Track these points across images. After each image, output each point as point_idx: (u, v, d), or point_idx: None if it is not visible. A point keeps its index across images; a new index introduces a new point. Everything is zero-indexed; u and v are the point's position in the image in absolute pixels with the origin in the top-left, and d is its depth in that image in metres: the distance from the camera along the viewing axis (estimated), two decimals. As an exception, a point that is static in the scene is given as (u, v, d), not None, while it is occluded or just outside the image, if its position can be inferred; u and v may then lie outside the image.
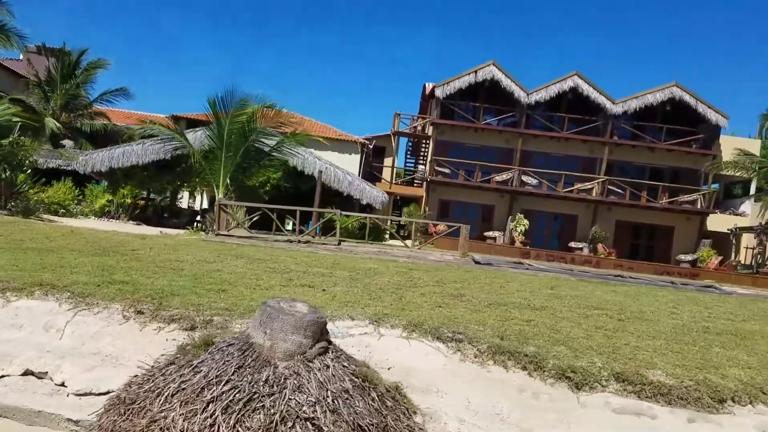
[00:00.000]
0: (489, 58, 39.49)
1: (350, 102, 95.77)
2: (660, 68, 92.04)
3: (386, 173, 34.68)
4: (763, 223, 28.58)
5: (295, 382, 3.54)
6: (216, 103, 17.00)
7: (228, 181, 17.39)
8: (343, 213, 17.28)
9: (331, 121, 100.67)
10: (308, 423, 3.33)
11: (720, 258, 28.41)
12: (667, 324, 5.92)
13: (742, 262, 30.87)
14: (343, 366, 3.80)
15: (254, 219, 20.79)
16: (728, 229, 30.38)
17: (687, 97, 30.32)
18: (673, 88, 30.38)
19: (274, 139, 17.10)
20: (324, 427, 3.32)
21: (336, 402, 3.48)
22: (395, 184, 34.11)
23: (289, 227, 22.26)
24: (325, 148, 29.45)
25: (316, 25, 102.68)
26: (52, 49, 30.14)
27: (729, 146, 30.53)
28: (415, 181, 35.81)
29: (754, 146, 31.65)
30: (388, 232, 20.96)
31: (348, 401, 3.53)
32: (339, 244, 14.64)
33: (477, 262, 11.26)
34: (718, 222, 32.07)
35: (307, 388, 3.50)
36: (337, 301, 5.83)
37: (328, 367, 3.71)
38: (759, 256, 29.09)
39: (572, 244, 30.73)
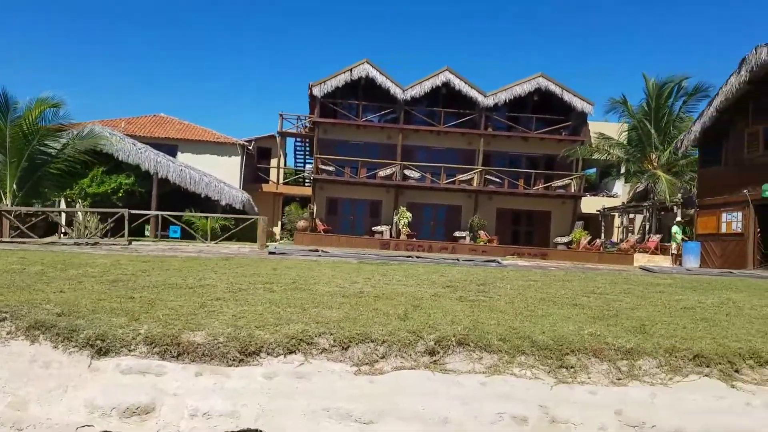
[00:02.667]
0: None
1: (243, 103, 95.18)
2: (535, 58, 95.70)
3: (274, 174, 34.86)
4: (625, 202, 30.41)
5: None
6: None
7: (15, 187, 16.80)
8: (169, 213, 17.41)
9: (223, 124, 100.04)
10: None
11: (588, 238, 29.94)
12: (319, 291, 6.48)
13: (614, 240, 32.64)
14: None
15: (107, 227, 20.69)
16: (596, 211, 32.07)
17: (553, 87, 31.82)
18: (539, 78, 31.85)
19: (60, 142, 16.81)
20: None
21: None
22: (283, 184, 34.33)
23: (148, 233, 22.20)
24: (195, 149, 29.58)
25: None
26: None
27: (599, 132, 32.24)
28: (306, 180, 36.18)
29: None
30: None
31: None
32: (129, 243, 14.83)
33: (272, 253, 11.77)
34: (594, 204, 33.87)
35: None
36: None
37: None
38: (624, 234, 30.94)
39: (456, 234, 31.79)
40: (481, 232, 31.33)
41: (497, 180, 32.49)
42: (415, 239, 29.97)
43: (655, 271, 12.24)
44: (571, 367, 4.69)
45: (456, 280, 7.98)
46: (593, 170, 38.46)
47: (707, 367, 4.80)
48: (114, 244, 13.93)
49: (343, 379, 4.28)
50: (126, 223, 15.89)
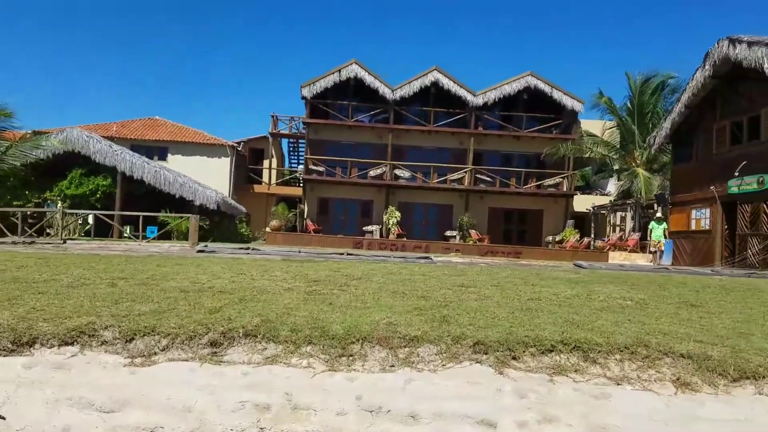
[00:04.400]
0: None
1: (242, 105, 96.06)
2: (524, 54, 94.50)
3: (268, 175, 35.33)
4: (612, 200, 30.11)
5: None
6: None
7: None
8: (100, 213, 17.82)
9: (220, 126, 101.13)
10: None
11: (577, 236, 29.72)
12: (165, 286, 6.72)
13: (606, 239, 32.28)
14: None
15: (87, 227, 21.35)
16: (586, 209, 31.81)
17: (542, 85, 31.65)
18: (528, 77, 31.71)
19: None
20: None
21: None
22: (276, 184, 34.77)
23: (127, 233, 22.76)
24: (186, 151, 30.18)
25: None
26: None
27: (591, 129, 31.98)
28: (299, 181, 36.58)
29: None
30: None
31: None
32: (64, 242, 15.24)
33: (201, 251, 12.08)
34: (588, 203, 33.57)
35: None
36: None
37: None
38: (616, 232, 30.61)
39: (447, 233, 31.86)
40: (472, 231, 31.30)
41: (488, 179, 32.43)
42: (405, 238, 30.06)
43: (585, 267, 12.23)
44: (351, 356, 4.84)
45: (340, 275, 8.15)
46: (588, 168, 38.07)
47: (485, 354, 4.90)
48: (48, 243, 14.37)
49: (106, 370, 4.50)
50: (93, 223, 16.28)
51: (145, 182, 21.54)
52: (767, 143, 16.72)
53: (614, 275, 10.21)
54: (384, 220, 31.24)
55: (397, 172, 32.24)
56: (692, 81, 18.75)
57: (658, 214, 20.00)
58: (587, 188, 34.76)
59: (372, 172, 31.96)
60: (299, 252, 12.50)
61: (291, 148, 37.53)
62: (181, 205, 22.17)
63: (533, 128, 32.70)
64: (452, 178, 32.37)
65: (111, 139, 29.92)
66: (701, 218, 19.12)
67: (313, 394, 4.30)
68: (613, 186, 34.82)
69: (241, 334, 5.00)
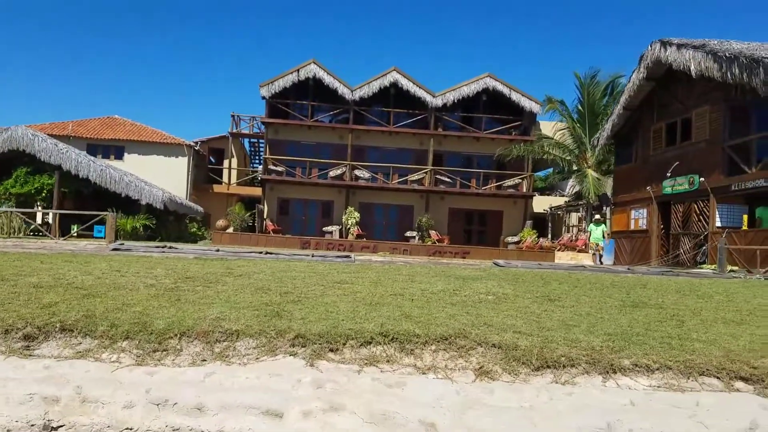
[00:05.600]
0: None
1: (206, 104, 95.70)
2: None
3: (231, 175, 35.20)
4: (567, 201, 30.43)
5: None
6: None
7: None
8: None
9: (183, 125, 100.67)
10: None
11: (534, 237, 29.98)
12: (22, 282, 6.70)
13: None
14: None
15: (32, 226, 21.12)
16: (543, 210, 32.10)
17: (500, 87, 31.88)
18: (487, 78, 31.93)
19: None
20: None
21: None
22: (237, 184, 34.66)
23: (73, 232, 22.60)
24: (143, 150, 30.05)
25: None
26: None
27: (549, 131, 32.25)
28: (257, 181, 36.53)
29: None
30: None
31: None
32: None
33: (116, 249, 12.03)
34: (548, 203, 33.87)
35: None
36: None
37: None
38: (571, 231, 30.93)
39: (407, 234, 31.96)
40: (432, 232, 31.46)
41: (449, 180, 32.57)
42: (365, 239, 30.14)
43: (500, 265, 12.37)
44: (165, 350, 4.88)
45: (223, 272, 8.17)
46: (551, 170, 38.42)
47: (303, 347, 4.98)
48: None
49: None
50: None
51: (91, 181, 21.36)
52: (698, 144, 17.02)
53: (516, 273, 10.34)
54: (343, 220, 31.28)
55: (357, 172, 32.29)
56: (629, 83, 19.04)
57: (597, 216, 20.30)
58: (548, 189, 35.06)
59: (332, 173, 31.98)
60: (217, 251, 12.50)
61: (252, 149, 37.45)
62: (129, 204, 22.07)
63: (493, 129, 32.93)
64: (412, 178, 32.49)
65: (67, 138, 29.73)
66: (639, 218, 19.41)
67: (105, 388, 4.34)
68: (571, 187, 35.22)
69: (57, 329, 5.02)
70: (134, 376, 4.52)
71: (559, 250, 24.67)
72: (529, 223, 31.79)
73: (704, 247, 15.95)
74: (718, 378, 4.77)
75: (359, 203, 32.38)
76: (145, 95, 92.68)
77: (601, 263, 19.24)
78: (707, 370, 4.82)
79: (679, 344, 5.28)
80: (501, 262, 13.23)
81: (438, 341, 5.13)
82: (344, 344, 5.04)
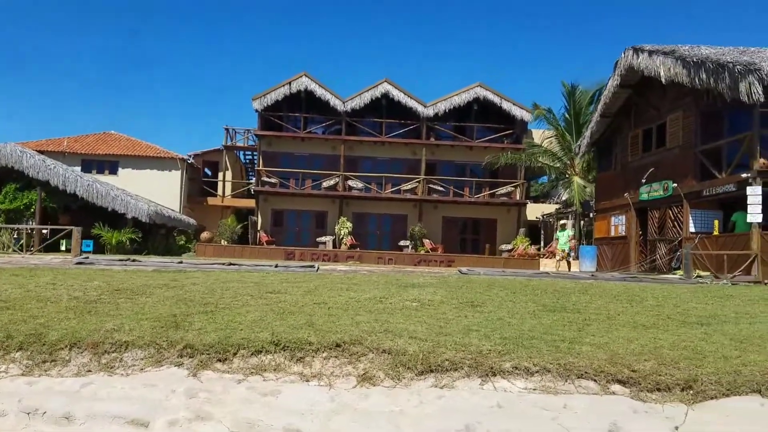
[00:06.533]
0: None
1: (203, 118, 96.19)
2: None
3: (225, 187, 35.51)
4: (558, 209, 30.33)
5: None
6: None
7: None
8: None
9: (179, 140, 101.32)
10: None
11: (526, 244, 29.89)
12: None
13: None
14: None
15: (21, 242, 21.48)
16: (536, 217, 32.03)
17: (491, 96, 31.96)
18: (477, 88, 32.01)
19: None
20: None
21: None
22: (232, 197, 34.96)
23: (63, 247, 22.93)
24: (137, 165, 30.43)
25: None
26: None
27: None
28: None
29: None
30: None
31: None
32: None
33: (80, 263, 12.24)
34: (543, 211, 33.79)
35: None
36: None
37: None
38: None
39: (401, 243, 31.97)
40: (426, 241, 31.46)
41: (442, 189, 32.59)
42: (358, 249, 30.21)
43: (464, 273, 12.42)
44: (54, 361, 5.04)
45: (159, 284, 8.30)
46: (545, 178, 38.30)
47: (191, 357, 5.08)
48: None
49: None
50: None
51: (78, 196, 21.68)
52: (672, 150, 16.97)
53: (470, 280, 10.40)
54: (336, 231, 31.40)
55: (351, 182, 32.44)
56: (605, 90, 19.05)
57: (562, 222, 20.32)
58: (543, 197, 34.98)
59: (325, 183, 32.14)
60: (180, 263, 12.66)
61: (248, 161, 37.78)
62: (116, 218, 22.34)
63: (485, 138, 32.98)
64: (405, 188, 32.55)
65: (62, 154, 30.23)
66: (619, 225, 19.34)
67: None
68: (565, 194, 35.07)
69: None
70: (14, 385, 4.65)
71: (545, 257, 24.59)
72: (522, 230, 31.70)
73: (678, 253, 15.86)
74: (595, 381, 4.80)
75: (353, 213, 32.51)
76: (143, 111, 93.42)
77: (566, 270, 19.26)
78: (586, 372, 4.86)
79: (568, 347, 5.32)
80: (464, 269, 13.27)
81: (331, 348, 5.21)
82: (235, 354, 5.14)
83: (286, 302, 7.08)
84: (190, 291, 7.74)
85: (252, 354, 5.14)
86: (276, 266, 12.72)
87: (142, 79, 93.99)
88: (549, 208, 32.53)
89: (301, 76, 31.69)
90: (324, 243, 31.33)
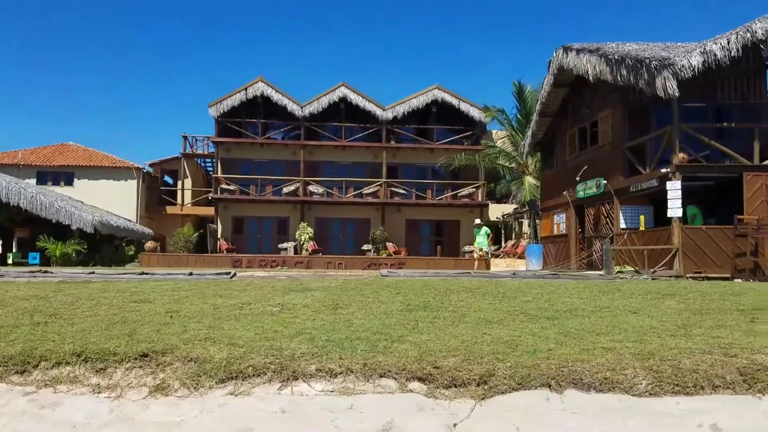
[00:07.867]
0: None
1: (164, 125, 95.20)
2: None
3: (186, 195, 35.23)
4: (515, 209, 30.38)
5: None
6: None
7: None
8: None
9: (139, 149, 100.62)
10: None
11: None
12: None
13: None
14: None
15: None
16: (496, 218, 32.09)
17: (449, 98, 32.05)
18: (435, 90, 32.08)
19: None
20: None
21: None
22: (192, 205, 34.70)
23: (10, 261, 22.66)
24: (92, 175, 30.12)
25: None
26: None
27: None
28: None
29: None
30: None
31: None
32: None
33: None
34: (505, 211, 33.83)
35: None
36: None
37: None
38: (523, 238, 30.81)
39: (364, 247, 31.88)
40: (389, 244, 31.38)
41: (404, 192, 32.58)
42: (320, 254, 30.02)
43: (385, 275, 12.34)
44: None
45: (37, 296, 8.17)
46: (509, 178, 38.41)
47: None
48: None
49: None
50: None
51: (22, 208, 21.45)
52: (603, 148, 17.02)
53: (380, 282, 10.31)
54: (296, 236, 31.25)
55: (311, 188, 32.34)
56: (542, 90, 19.10)
57: (477, 221, 20.43)
58: (505, 197, 35.03)
59: (286, 189, 32.00)
60: (92, 273, 12.49)
61: (210, 169, 37.55)
62: (61, 229, 22.10)
63: (446, 140, 33.04)
64: (367, 191, 32.50)
65: (17, 166, 29.91)
66: (560, 223, 19.38)
67: None
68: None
69: None
70: None
71: (500, 257, 24.60)
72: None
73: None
74: (395, 379, 4.71)
75: (315, 218, 32.42)
76: (103, 120, 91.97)
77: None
78: (389, 371, 4.77)
79: (385, 346, 5.24)
80: (385, 271, 13.20)
81: (137, 359, 5.08)
82: (36, 366, 5.00)
83: (141, 311, 6.95)
84: (51, 302, 7.58)
85: (53, 366, 5.00)
86: (190, 274, 12.57)
87: (100, 87, 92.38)
88: (509, 208, 32.57)
89: (257, 82, 31.57)
90: (285, 249, 31.14)
